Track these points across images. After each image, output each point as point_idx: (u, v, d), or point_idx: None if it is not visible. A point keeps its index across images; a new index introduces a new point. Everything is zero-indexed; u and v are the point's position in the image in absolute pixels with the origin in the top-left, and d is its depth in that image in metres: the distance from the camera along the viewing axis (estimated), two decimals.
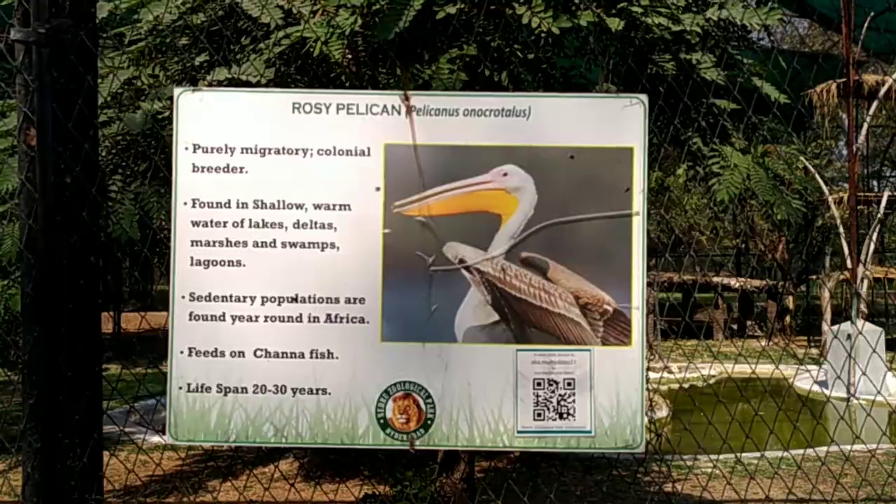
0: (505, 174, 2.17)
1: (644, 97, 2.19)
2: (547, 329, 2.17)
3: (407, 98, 2.18)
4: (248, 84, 3.52)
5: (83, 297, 2.12)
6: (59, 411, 2.08)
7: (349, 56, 3.94)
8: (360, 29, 3.64)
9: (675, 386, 9.89)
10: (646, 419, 2.15)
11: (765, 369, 9.49)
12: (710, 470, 5.97)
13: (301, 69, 4.03)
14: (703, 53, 3.90)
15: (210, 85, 3.57)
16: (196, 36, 4.05)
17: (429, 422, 2.17)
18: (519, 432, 2.17)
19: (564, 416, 2.16)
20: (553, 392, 2.16)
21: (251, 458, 6.69)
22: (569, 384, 2.17)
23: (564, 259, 2.17)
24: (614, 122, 2.18)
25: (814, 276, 16.74)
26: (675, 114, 3.82)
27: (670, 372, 10.47)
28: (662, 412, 8.98)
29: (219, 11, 4.03)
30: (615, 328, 2.16)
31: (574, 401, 2.16)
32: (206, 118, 2.18)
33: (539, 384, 2.17)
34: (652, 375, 8.60)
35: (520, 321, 2.17)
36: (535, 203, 2.17)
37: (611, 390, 2.16)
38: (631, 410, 2.16)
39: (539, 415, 2.17)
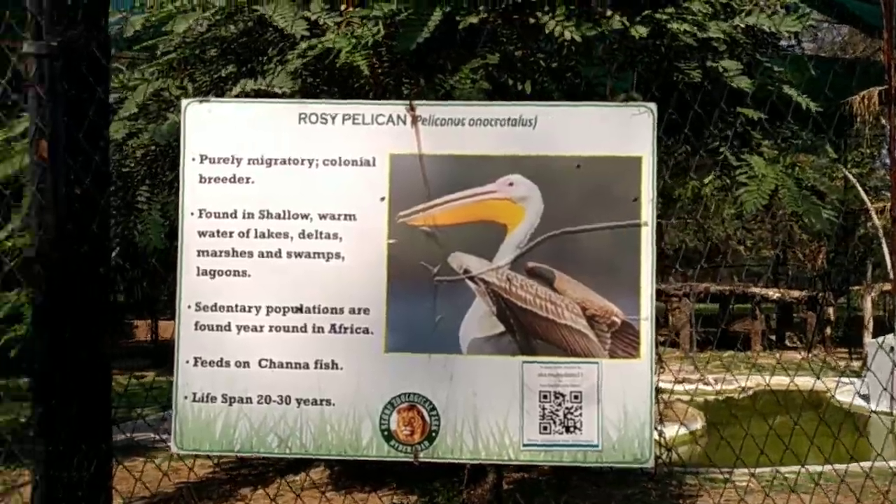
0: (511, 184, 2.15)
1: (653, 106, 2.16)
2: (553, 341, 2.13)
3: (412, 108, 2.17)
4: (275, 95, 3.55)
5: (93, 307, 2.14)
6: (67, 420, 2.10)
7: (375, 66, 3.95)
8: (384, 40, 3.65)
9: (711, 398, 9.72)
10: (655, 433, 2.10)
11: (804, 381, 9.25)
12: (744, 484, 5.86)
13: (327, 80, 4.05)
14: (731, 60, 3.83)
15: (237, 97, 3.61)
16: (224, 48, 4.09)
17: (433, 434, 2.14)
18: (525, 445, 2.14)
19: (571, 429, 2.13)
20: (559, 405, 2.13)
21: (282, 466, 6.71)
22: (575, 397, 2.13)
23: (571, 269, 2.14)
24: (622, 131, 2.15)
25: (855, 287, 16.37)
26: (702, 123, 3.76)
27: (706, 383, 10.30)
28: (697, 424, 8.83)
29: (248, 23, 4.07)
30: (623, 340, 2.12)
31: (581, 414, 2.12)
32: (213, 129, 2.20)
33: (545, 397, 2.13)
34: (687, 387, 8.46)
35: (525, 332, 2.14)
36: (541, 213, 2.14)
37: (618, 403, 2.12)
38: (639, 423, 2.11)
39: (545, 428, 2.13)
